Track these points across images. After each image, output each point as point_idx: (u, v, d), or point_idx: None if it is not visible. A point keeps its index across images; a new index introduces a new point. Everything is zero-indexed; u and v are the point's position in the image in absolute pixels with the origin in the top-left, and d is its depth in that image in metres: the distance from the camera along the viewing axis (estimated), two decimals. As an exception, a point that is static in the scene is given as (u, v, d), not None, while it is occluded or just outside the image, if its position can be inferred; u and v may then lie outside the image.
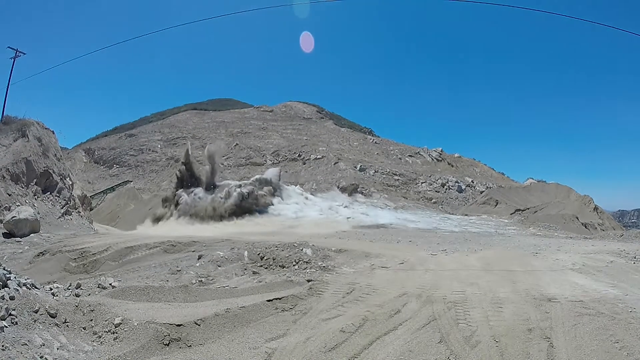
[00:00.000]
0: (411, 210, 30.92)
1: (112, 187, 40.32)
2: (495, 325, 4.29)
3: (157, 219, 23.81)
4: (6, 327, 3.22)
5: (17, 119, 16.32)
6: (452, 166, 49.56)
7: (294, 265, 7.44)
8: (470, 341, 3.92)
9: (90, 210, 21.57)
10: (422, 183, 40.88)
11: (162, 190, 34.18)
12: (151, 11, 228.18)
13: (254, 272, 7.12)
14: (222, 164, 39.98)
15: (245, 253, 8.08)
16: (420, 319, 4.52)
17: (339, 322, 4.41)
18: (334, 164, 41.32)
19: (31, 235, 11.56)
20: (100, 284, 6.06)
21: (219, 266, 7.49)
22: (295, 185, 32.05)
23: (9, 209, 12.48)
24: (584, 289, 5.67)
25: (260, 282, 6.35)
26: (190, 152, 28.26)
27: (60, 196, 15.67)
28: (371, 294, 5.52)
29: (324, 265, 7.49)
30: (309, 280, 6.21)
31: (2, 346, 2.98)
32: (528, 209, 31.40)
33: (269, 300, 5.01)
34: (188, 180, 26.41)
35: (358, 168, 40.80)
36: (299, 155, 44.51)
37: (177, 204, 24.44)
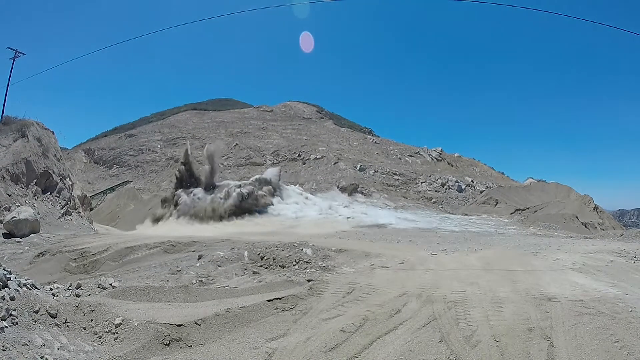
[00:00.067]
0: (411, 210, 30.92)
1: (112, 187, 40.32)
2: (496, 324, 4.29)
3: (156, 220, 23.80)
4: (7, 327, 3.22)
5: (17, 119, 16.32)
6: (452, 166, 49.57)
7: (294, 265, 7.44)
8: (470, 341, 3.92)
9: (90, 210, 21.56)
10: (422, 183, 40.89)
11: (162, 190, 34.18)
12: (151, 11, 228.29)
13: (254, 272, 7.12)
14: (222, 164, 39.99)
15: (246, 253, 8.08)
16: (421, 318, 4.52)
17: (339, 322, 4.41)
18: (334, 164, 41.33)
19: (31, 235, 11.55)
20: (100, 284, 6.06)
21: (219, 266, 7.49)
22: (295, 185, 32.05)
23: (9, 210, 12.47)
24: (584, 289, 5.67)
25: (261, 282, 6.35)
26: (189, 152, 28.21)
27: (60, 196, 15.67)
28: (371, 294, 5.52)
29: (324, 265, 7.49)
30: (309, 280, 6.22)
31: (3, 346, 2.98)
32: (528, 208, 31.42)
33: (269, 300, 5.01)
34: (187, 180, 26.36)
35: (358, 168, 40.81)
36: (299, 155, 44.52)
37: (176, 205, 24.40)
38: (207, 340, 3.95)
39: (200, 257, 8.09)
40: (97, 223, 20.61)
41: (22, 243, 10.76)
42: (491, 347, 3.78)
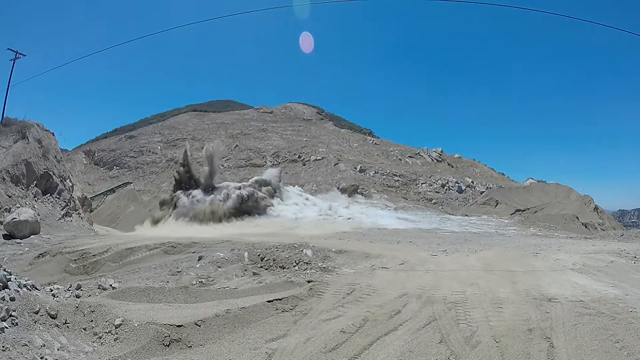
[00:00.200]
0: (411, 211, 30.91)
1: (112, 188, 40.36)
2: (496, 325, 4.28)
3: (155, 221, 23.75)
4: (7, 328, 3.23)
5: (17, 121, 16.36)
6: (452, 167, 49.58)
7: (294, 266, 7.44)
8: (470, 341, 3.92)
9: (91, 211, 21.58)
10: (422, 184, 40.88)
11: (162, 191, 34.14)
12: (151, 13, 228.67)
13: (254, 273, 7.12)
14: (222, 166, 40.04)
15: (246, 254, 8.08)
16: (421, 319, 4.51)
17: (339, 323, 4.40)
18: (334, 165, 41.33)
19: (31, 236, 11.55)
20: (100, 285, 6.06)
21: (219, 267, 7.49)
22: (294, 186, 32.02)
23: (9, 211, 12.48)
24: (584, 289, 5.67)
25: (261, 283, 6.35)
26: (188, 154, 28.13)
27: (61, 198, 15.67)
28: (371, 295, 5.52)
29: (324, 266, 7.49)
30: (309, 281, 6.21)
31: (3, 347, 2.99)
32: (528, 209, 31.40)
33: (269, 301, 5.01)
34: (186, 182, 26.26)
35: (358, 169, 40.81)
36: (299, 157, 44.53)
37: (175, 207, 24.32)
38: (207, 341, 3.94)
39: (200, 258, 8.08)
40: (97, 224, 20.63)
41: (22, 244, 10.77)
42: (491, 347, 3.78)
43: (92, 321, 3.99)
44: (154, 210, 26.72)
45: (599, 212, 34.10)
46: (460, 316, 4.58)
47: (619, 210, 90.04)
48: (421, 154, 51.17)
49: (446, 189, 40.42)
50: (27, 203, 13.71)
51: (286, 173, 38.58)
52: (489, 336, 4.01)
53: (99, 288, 5.93)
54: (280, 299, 5.13)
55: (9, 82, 18.17)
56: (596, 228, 27.54)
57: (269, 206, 25.35)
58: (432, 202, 37.44)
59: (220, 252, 8.40)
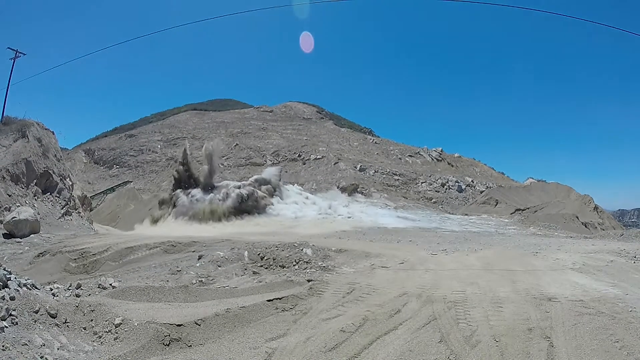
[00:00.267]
0: (411, 210, 30.91)
1: (112, 187, 40.31)
2: (496, 324, 4.29)
3: (155, 221, 23.71)
4: (7, 327, 3.22)
5: (17, 120, 16.34)
6: (452, 166, 49.57)
7: (294, 265, 7.45)
8: (470, 341, 3.92)
9: (91, 210, 21.56)
10: (422, 183, 40.87)
11: (162, 190, 34.13)
12: (151, 12, 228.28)
13: (254, 272, 7.12)
14: (222, 165, 40.00)
15: (246, 253, 8.08)
16: (421, 318, 4.52)
17: (339, 322, 4.41)
18: (334, 164, 41.32)
19: (31, 235, 11.55)
20: (100, 284, 6.06)
21: (219, 266, 7.49)
22: (293, 185, 31.98)
23: (9, 210, 12.48)
24: (584, 289, 5.67)
25: (261, 282, 6.35)
26: (188, 152, 28.00)
27: (61, 197, 15.67)
28: (371, 294, 5.52)
29: (324, 265, 7.49)
30: (309, 280, 6.21)
31: (3, 346, 2.99)
32: (528, 208, 31.41)
33: (269, 300, 5.01)
34: (186, 181, 26.14)
35: (358, 168, 40.80)
36: (299, 156, 44.51)
37: (174, 206, 24.24)
38: (207, 340, 3.95)
39: (200, 257, 8.09)
40: (97, 223, 20.62)
41: (22, 243, 10.77)
42: (491, 347, 3.78)
43: (92, 320, 3.99)
44: (153, 209, 26.66)
45: (599, 212, 34.12)
46: (460, 315, 4.58)
47: (619, 209, 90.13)
48: (421, 153, 51.15)
49: (446, 188, 40.41)
50: (27, 202, 13.70)
51: (286, 172, 38.56)
52: (489, 335, 4.01)
53: (98, 287, 5.93)
54: (280, 298, 5.13)
55: (9, 81, 18.17)
56: (596, 228, 27.55)
57: (269, 205, 25.32)
58: (432, 201, 37.44)
59: (220, 251, 8.40)
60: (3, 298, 3.51)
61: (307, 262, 7.52)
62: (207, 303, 4.98)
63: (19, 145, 14.98)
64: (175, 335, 3.87)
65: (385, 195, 35.78)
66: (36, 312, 3.67)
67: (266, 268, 7.44)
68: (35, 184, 14.73)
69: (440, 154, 51.41)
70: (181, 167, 27.23)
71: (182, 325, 4.03)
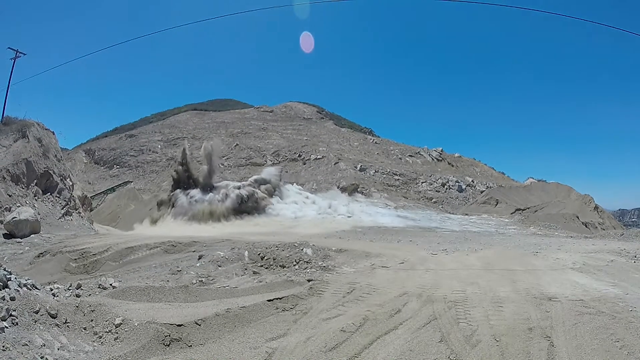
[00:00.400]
0: (411, 210, 30.91)
1: (112, 187, 40.29)
2: (496, 324, 4.28)
3: (154, 221, 23.66)
4: (7, 327, 3.22)
5: (17, 120, 16.35)
6: (453, 166, 49.56)
7: (294, 265, 7.45)
8: (470, 340, 3.92)
9: (91, 210, 21.56)
10: (422, 183, 40.87)
11: (163, 190, 34.08)
12: (152, 12, 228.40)
13: (255, 272, 7.12)
14: (222, 165, 40.00)
15: (246, 253, 8.08)
16: (421, 318, 4.52)
17: (339, 322, 4.41)
18: (334, 164, 41.31)
19: (31, 236, 11.56)
20: (100, 285, 6.06)
21: (220, 266, 7.49)
22: (292, 184, 31.95)
23: (9, 210, 12.48)
24: (584, 288, 5.67)
25: (261, 282, 6.35)
26: (187, 152, 27.87)
27: (61, 197, 15.67)
28: (372, 294, 5.52)
29: (324, 265, 7.49)
30: (309, 280, 6.21)
31: (3, 347, 2.99)
32: (528, 208, 31.40)
33: (269, 300, 5.01)
34: (185, 181, 25.99)
35: (358, 168, 40.79)
36: (299, 156, 44.51)
37: (173, 206, 24.14)
38: (207, 340, 3.94)
39: (200, 257, 8.09)
40: (98, 223, 20.63)
41: (22, 243, 10.77)
42: (491, 346, 3.78)
43: (92, 320, 3.99)
44: (153, 209, 26.61)
45: (599, 212, 34.10)
46: (461, 315, 4.58)
47: (619, 209, 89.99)
48: (421, 153, 51.14)
49: (446, 188, 40.41)
50: (27, 202, 13.71)
51: (286, 172, 38.56)
52: (489, 335, 4.01)
53: (99, 287, 5.93)
54: (280, 298, 5.13)
55: (9, 81, 18.22)
56: (596, 227, 27.55)
57: (268, 205, 25.29)
58: (433, 201, 37.44)
59: (221, 251, 8.41)
60: (3, 298, 3.51)
61: (307, 262, 7.52)
62: (208, 303, 4.98)
63: (19, 146, 14.99)
64: (176, 335, 3.87)
65: (386, 195, 35.78)
66: (36, 312, 3.67)
67: (266, 268, 7.44)
68: (36, 184, 14.74)
69: (441, 153, 51.40)
70: (180, 167, 27.05)
71: (182, 325, 4.03)
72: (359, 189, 35.74)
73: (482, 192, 39.69)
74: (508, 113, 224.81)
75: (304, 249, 8.18)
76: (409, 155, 50.02)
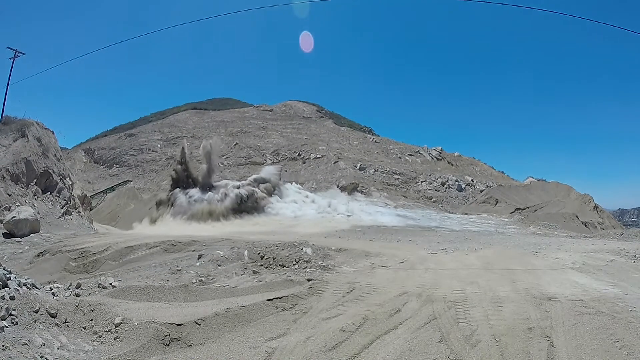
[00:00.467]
0: (411, 209, 30.91)
1: (112, 187, 40.27)
2: (496, 324, 4.29)
3: (153, 221, 23.60)
4: (6, 327, 3.22)
5: (16, 119, 16.34)
6: (452, 165, 49.59)
7: (294, 264, 7.45)
8: (470, 340, 3.92)
9: (90, 210, 21.55)
10: (422, 182, 40.89)
11: (162, 189, 34.06)
12: (151, 11, 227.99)
13: (254, 272, 7.12)
14: (222, 164, 39.97)
15: (246, 252, 8.08)
16: (421, 318, 4.52)
17: (339, 322, 4.41)
18: (334, 163, 41.31)
19: (31, 235, 11.56)
20: (100, 284, 6.06)
21: (219, 265, 7.49)
22: (291, 183, 31.92)
23: (9, 209, 12.48)
24: (584, 288, 5.67)
25: (261, 281, 6.35)
26: (186, 152, 27.76)
27: (60, 196, 15.67)
28: (371, 293, 5.52)
29: (324, 264, 7.49)
30: (309, 280, 6.22)
31: (3, 346, 2.98)
32: (528, 207, 31.42)
33: (269, 300, 5.01)
34: (184, 180, 25.89)
35: (358, 167, 40.80)
36: (299, 155, 44.51)
37: (172, 206, 24.08)
38: (207, 340, 3.95)
39: (200, 257, 8.09)
40: (97, 223, 20.62)
41: (22, 243, 10.77)
42: (491, 346, 3.78)
43: (92, 320, 3.99)
44: (153, 209, 26.56)
45: (599, 211, 34.14)
46: (460, 315, 4.58)
47: (619, 209, 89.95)
48: (421, 152, 51.15)
49: (446, 188, 40.43)
50: (27, 201, 13.70)
51: (286, 171, 38.55)
52: (489, 335, 4.01)
53: (98, 287, 5.93)
54: (280, 298, 5.14)
55: (9, 81, 18.20)
56: (596, 227, 27.57)
57: (268, 204, 25.25)
58: (432, 200, 37.46)
59: (220, 251, 8.41)
60: (3, 298, 3.51)
61: (307, 262, 7.52)
62: (207, 302, 4.98)
63: (19, 145, 14.97)
64: (175, 335, 3.87)
65: (385, 194, 35.79)
66: (36, 311, 3.67)
67: (266, 267, 7.44)
68: (35, 184, 14.73)
69: (440, 153, 51.42)
70: (179, 166, 26.92)
71: (182, 324, 4.03)
72: (358, 188, 35.74)
73: (481, 191, 39.71)
74: (508, 112, 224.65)
75: (304, 249, 8.18)
76: (409, 155, 50.03)
